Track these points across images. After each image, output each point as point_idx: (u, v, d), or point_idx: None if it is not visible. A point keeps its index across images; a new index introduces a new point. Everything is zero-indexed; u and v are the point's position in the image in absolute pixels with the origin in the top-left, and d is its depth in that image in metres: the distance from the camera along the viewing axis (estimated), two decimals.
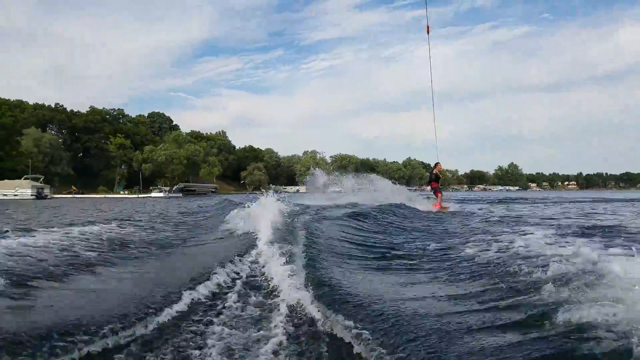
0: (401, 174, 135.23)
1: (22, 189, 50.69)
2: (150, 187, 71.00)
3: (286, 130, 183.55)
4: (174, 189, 66.91)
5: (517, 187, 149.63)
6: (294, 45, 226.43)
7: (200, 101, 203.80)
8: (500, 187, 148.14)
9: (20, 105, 63.23)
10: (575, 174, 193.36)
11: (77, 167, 72.44)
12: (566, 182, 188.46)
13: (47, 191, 52.69)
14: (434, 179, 15.88)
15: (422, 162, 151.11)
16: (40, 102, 70.94)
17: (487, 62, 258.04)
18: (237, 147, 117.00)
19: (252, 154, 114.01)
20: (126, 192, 69.12)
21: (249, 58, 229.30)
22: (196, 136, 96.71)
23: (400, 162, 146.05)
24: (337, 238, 6.25)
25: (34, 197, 48.25)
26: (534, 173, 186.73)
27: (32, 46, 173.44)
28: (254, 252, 4.77)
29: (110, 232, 6.77)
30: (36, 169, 59.42)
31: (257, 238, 5.46)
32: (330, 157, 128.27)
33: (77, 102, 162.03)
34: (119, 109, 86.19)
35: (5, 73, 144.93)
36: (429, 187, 16.73)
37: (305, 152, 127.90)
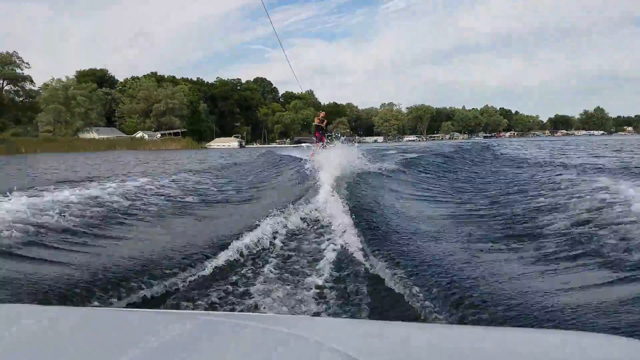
0: (477, 121, 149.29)
1: (232, 142, 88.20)
2: (276, 140, 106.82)
3: (362, 79, 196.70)
4: (293, 140, 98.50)
5: (601, 132, 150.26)
6: None
7: (275, 53, 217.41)
8: (584, 132, 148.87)
9: (174, 80, 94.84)
10: None
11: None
12: None
13: (244, 143, 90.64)
14: (317, 128, 17.00)
15: (501, 108, 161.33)
16: (185, 77, 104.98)
17: None
18: (322, 104, 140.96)
19: (335, 110, 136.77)
20: (257, 144, 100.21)
21: (323, 4, 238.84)
22: (290, 96, 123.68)
23: (479, 109, 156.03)
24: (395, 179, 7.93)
25: (238, 146, 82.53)
26: (633, 115, 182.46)
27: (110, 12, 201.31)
28: (316, 196, 5.86)
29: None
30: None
31: (320, 183, 6.45)
32: (407, 108, 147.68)
33: (155, 62, 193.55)
34: (236, 78, 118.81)
35: (94, 38, 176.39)
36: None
37: (382, 105, 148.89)
